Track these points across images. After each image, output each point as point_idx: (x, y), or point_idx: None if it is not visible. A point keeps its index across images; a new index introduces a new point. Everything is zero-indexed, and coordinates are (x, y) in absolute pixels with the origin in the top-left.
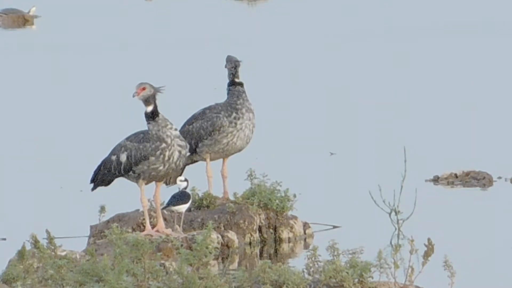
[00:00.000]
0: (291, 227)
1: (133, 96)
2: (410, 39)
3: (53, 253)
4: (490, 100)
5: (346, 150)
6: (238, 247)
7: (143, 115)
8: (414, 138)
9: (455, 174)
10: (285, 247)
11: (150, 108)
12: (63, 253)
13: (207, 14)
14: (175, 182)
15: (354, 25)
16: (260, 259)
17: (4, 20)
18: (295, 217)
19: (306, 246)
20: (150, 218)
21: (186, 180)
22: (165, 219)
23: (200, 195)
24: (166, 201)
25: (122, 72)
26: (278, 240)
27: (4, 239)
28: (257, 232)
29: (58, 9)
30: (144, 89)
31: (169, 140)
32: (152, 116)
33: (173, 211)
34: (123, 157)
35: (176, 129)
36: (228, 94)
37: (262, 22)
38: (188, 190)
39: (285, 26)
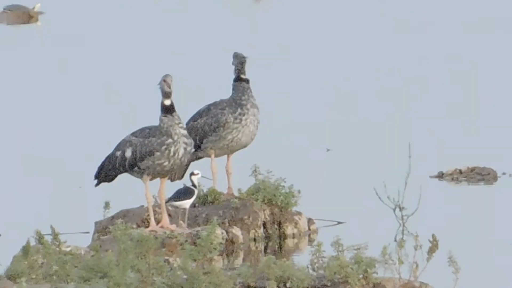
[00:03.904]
0: (296, 223)
1: (163, 84)
2: (415, 34)
3: (57, 249)
4: (495, 95)
5: (351, 146)
6: (242, 243)
7: (147, 109)
8: (418, 134)
9: (460, 170)
10: (289, 243)
11: (169, 102)
12: (68, 249)
13: (211, 11)
14: (180, 178)
15: (357, 21)
16: (265, 254)
17: (9, 16)
18: (299, 213)
19: (310, 242)
20: (154, 214)
21: (193, 174)
22: (169, 215)
23: (204, 191)
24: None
25: (127, 69)
26: (282, 236)
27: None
28: (262, 228)
29: (63, 5)
30: (171, 81)
31: (175, 137)
32: (170, 110)
33: (176, 207)
34: (128, 153)
35: (185, 129)
36: (233, 90)
37: (267, 19)
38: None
39: (289, 23)
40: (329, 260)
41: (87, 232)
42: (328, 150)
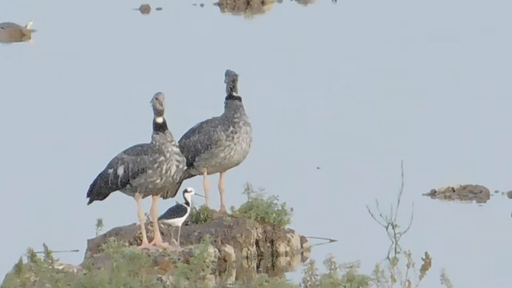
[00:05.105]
0: (288, 241)
1: (155, 102)
2: (408, 50)
3: (50, 267)
4: (488, 113)
5: (343, 164)
6: (235, 261)
7: (139, 127)
8: (411, 151)
9: (452, 188)
10: (282, 260)
11: (161, 119)
12: (61, 267)
13: (203, 27)
14: (172, 196)
15: (349, 37)
16: (257, 272)
17: (1, 34)
18: (292, 231)
19: (303, 260)
20: (147, 232)
21: (186, 191)
22: (162, 233)
23: (197, 208)
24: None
25: (119, 86)
26: (275, 254)
27: None
28: (254, 245)
29: (55, 23)
30: (163, 99)
31: (168, 155)
32: (162, 127)
33: (168, 225)
34: (120, 170)
35: (177, 146)
36: (225, 107)
37: (259, 35)
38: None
39: (282, 39)
40: (321, 278)
41: (77, 250)
42: (318, 168)
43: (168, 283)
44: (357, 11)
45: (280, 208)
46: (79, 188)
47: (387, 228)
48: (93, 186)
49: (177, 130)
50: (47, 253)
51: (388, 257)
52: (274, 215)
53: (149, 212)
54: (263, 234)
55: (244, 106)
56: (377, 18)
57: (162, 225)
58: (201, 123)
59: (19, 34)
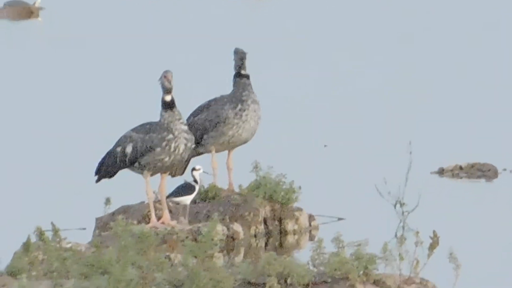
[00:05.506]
0: (296, 219)
1: (164, 80)
2: (415, 34)
3: (58, 245)
4: (496, 91)
5: (350, 142)
6: (243, 239)
7: (147, 105)
8: (419, 130)
9: (460, 166)
10: (290, 239)
11: (169, 97)
12: (69, 245)
13: (212, 10)
14: (180, 174)
15: (357, 20)
16: (265, 251)
17: (10, 12)
18: (300, 209)
19: (311, 238)
20: (155, 210)
21: (195, 169)
22: (170, 211)
23: (205, 187)
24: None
25: (127, 66)
26: (283, 232)
27: None
28: (262, 224)
29: (63, 1)
30: (171, 77)
31: (176, 132)
32: (170, 105)
33: (176, 203)
34: (129, 149)
35: (185, 125)
36: (234, 86)
37: (268, 18)
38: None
39: (291, 21)
40: (329, 256)
41: (84, 229)
42: (325, 146)
43: (176, 261)
44: None
45: (288, 186)
46: (87, 166)
47: (395, 206)
48: (101, 164)
49: (185, 108)
50: (55, 231)
51: (396, 236)
52: (282, 193)
53: (158, 190)
54: (271, 212)
55: (253, 85)
56: (387, 2)
57: (170, 203)
58: (209, 101)
59: (27, 12)
